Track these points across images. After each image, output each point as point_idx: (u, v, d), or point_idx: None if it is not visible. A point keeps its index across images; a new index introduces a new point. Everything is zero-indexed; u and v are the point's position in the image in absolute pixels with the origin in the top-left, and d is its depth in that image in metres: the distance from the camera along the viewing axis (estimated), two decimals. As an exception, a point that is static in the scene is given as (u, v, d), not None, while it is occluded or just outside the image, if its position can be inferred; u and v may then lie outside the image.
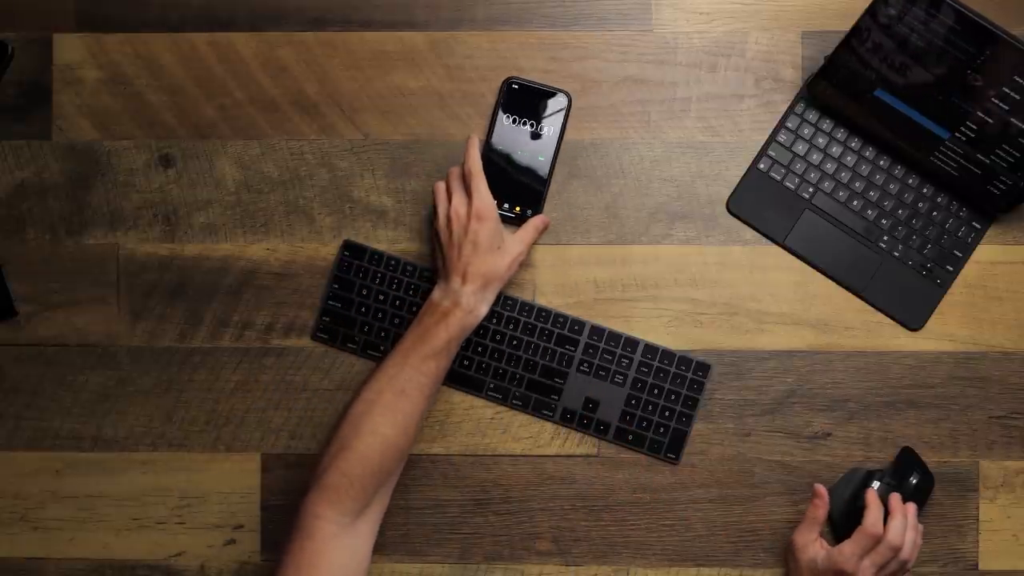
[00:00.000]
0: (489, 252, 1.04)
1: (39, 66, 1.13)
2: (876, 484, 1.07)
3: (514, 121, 1.11)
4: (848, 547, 1.01)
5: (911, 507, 1.04)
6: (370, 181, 1.13)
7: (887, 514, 1.04)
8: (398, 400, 0.99)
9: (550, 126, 1.11)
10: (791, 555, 1.04)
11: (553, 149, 1.11)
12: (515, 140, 1.11)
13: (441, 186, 1.07)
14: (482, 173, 1.05)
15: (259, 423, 1.13)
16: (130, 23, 1.14)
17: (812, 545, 1.03)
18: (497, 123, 1.11)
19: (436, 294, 1.04)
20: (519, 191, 1.11)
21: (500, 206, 1.10)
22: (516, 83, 1.11)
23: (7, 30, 1.13)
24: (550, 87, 1.11)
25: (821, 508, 1.04)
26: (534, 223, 1.08)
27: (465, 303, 1.02)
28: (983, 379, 1.12)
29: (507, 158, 1.11)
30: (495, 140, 1.11)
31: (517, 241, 1.06)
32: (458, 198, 1.05)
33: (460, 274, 1.03)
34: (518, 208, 1.11)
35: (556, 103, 1.11)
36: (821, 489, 1.04)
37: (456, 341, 1.03)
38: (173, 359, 1.13)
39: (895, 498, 1.04)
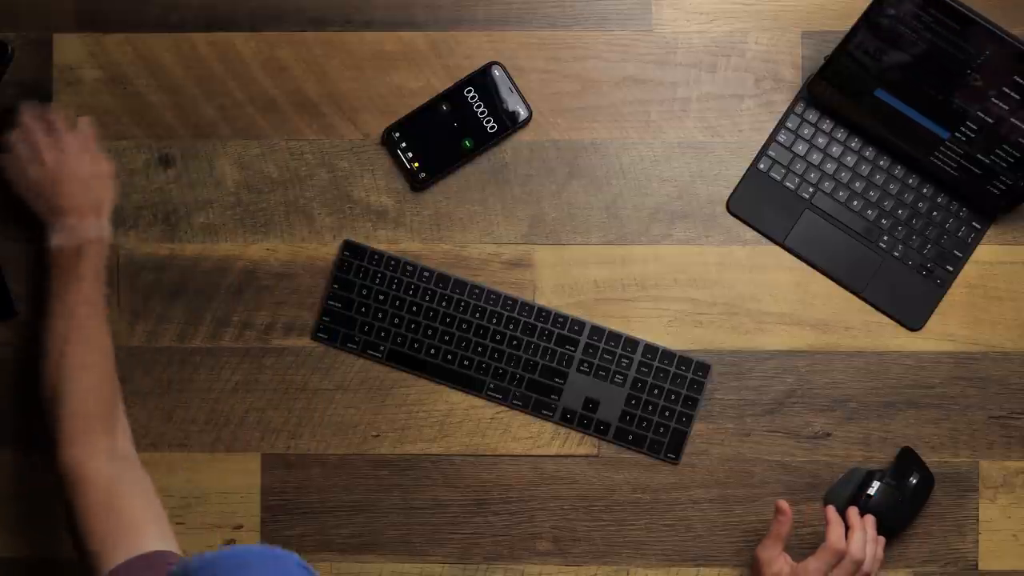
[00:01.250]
0: (90, 183, 1.06)
1: (39, 66, 1.13)
2: (876, 484, 1.07)
3: (472, 98, 1.11)
4: (812, 563, 1.01)
5: (870, 519, 1.04)
6: (370, 181, 1.13)
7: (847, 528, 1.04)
8: (87, 347, 1.02)
9: (496, 125, 1.12)
10: (755, 570, 1.03)
11: (484, 144, 1.12)
12: (461, 113, 1.11)
13: (33, 127, 1.06)
14: (55, 117, 1.07)
15: (259, 423, 1.13)
16: (130, 23, 1.14)
17: (776, 560, 1.02)
18: (458, 87, 1.12)
19: (56, 241, 1.04)
20: (427, 154, 1.12)
21: (404, 154, 1.11)
22: (499, 71, 1.11)
23: (7, 30, 1.13)
24: (522, 98, 1.12)
25: (785, 524, 1.03)
26: (88, 133, 1.09)
27: (90, 233, 1.04)
28: (983, 379, 1.12)
29: (443, 121, 1.11)
30: (447, 97, 1.12)
31: (101, 158, 1.08)
32: (53, 137, 1.06)
33: (70, 213, 1.04)
34: (416, 165, 1.12)
35: (517, 111, 1.12)
36: (784, 505, 1.03)
37: (101, 265, 1.05)
38: (173, 359, 1.13)
39: (853, 512, 1.04)
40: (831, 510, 1.04)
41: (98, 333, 1.03)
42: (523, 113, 1.12)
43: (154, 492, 0.98)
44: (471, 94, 1.11)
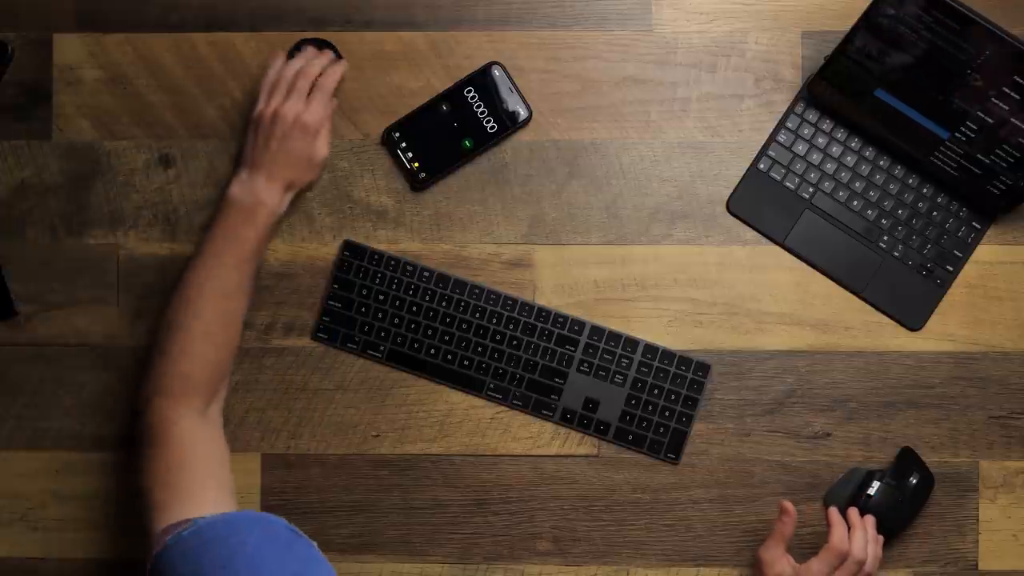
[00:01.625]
0: (301, 162, 1.05)
1: (39, 66, 1.13)
2: (876, 484, 1.07)
3: (472, 98, 1.11)
4: (815, 564, 1.01)
5: (870, 519, 1.05)
6: (370, 181, 1.13)
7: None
8: (226, 302, 1.01)
9: (496, 125, 1.11)
10: (757, 570, 1.04)
11: (484, 144, 1.12)
12: (461, 113, 1.11)
13: (279, 77, 1.06)
14: (332, 88, 1.07)
15: (259, 423, 1.13)
16: (130, 23, 1.14)
17: (779, 561, 1.02)
18: (458, 87, 1.11)
19: (237, 189, 1.04)
20: (427, 154, 1.11)
21: (404, 154, 1.11)
22: (499, 71, 1.11)
23: (7, 30, 1.13)
24: (522, 98, 1.12)
25: (789, 524, 1.03)
26: (328, 125, 1.08)
27: (268, 201, 1.04)
28: (983, 379, 1.12)
29: (442, 121, 1.11)
30: (446, 97, 1.12)
31: (323, 146, 1.06)
32: (294, 102, 1.05)
33: (264, 173, 1.04)
34: (416, 164, 1.12)
35: (517, 111, 1.12)
36: (788, 505, 1.03)
37: (264, 240, 1.04)
38: (173, 359, 1.13)
39: (854, 513, 1.04)
40: (834, 511, 1.04)
41: (236, 299, 1.03)
42: (523, 113, 1.12)
43: (228, 461, 0.99)
44: (471, 94, 1.11)
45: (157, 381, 0.99)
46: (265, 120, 1.04)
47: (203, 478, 0.94)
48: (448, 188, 1.13)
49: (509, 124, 1.12)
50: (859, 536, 1.02)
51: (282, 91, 1.06)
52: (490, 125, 1.11)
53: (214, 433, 1.00)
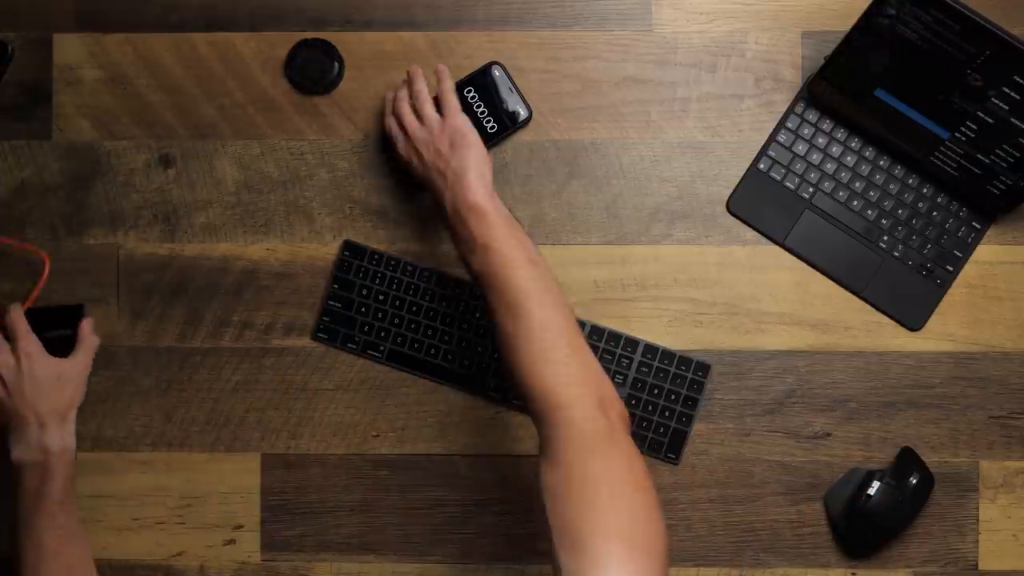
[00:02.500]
0: (50, 387, 1.04)
1: (39, 66, 1.13)
2: (876, 484, 1.07)
3: (472, 98, 1.11)
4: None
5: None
6: (370, 181, 1.13)
7: None
8: (60, 565, 0.98)
9: (496, 125, 1.11)
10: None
11: (485, 144, 1.09)
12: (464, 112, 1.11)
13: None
14: (27, 331, 1.06)
15: (259, 423, 1.13)
16: (130, 23, 1.14)
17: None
18: (458, 87, 1.11)
19: (17, 453, 1.02)
20: None
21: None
22: (499, 71, 1.11)
23: (7, 30, 1.13)
24: (522, 98, 1.12)
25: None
26: (88, 345, 1.09)
27: (54, 445, 1.02)
28: (983, 379, 1.12)
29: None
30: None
31: (73, 366, 1.06)
32: (3, 352, 1.05)
33: (32, 420, 1.03)
34: None
35: (517, 111, 1.12)
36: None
37: (69, 480, 1.02)
38: (173, 359, 1.13)
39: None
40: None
41: (74, 550, 0.99)
42: (523, 113, 1.12)
43: None
44: (471, 94, 1.11)
45: None
46: None
47: None
48: (448, 188, 1.13)
49: (509, 124, 1.12)
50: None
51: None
52: (490, 125, 1.11)
53: None
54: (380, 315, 1.12)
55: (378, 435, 1.12)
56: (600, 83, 1.13)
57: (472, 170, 0.98)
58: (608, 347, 1.11)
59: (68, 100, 1.14)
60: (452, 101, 1.03)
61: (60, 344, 1.08)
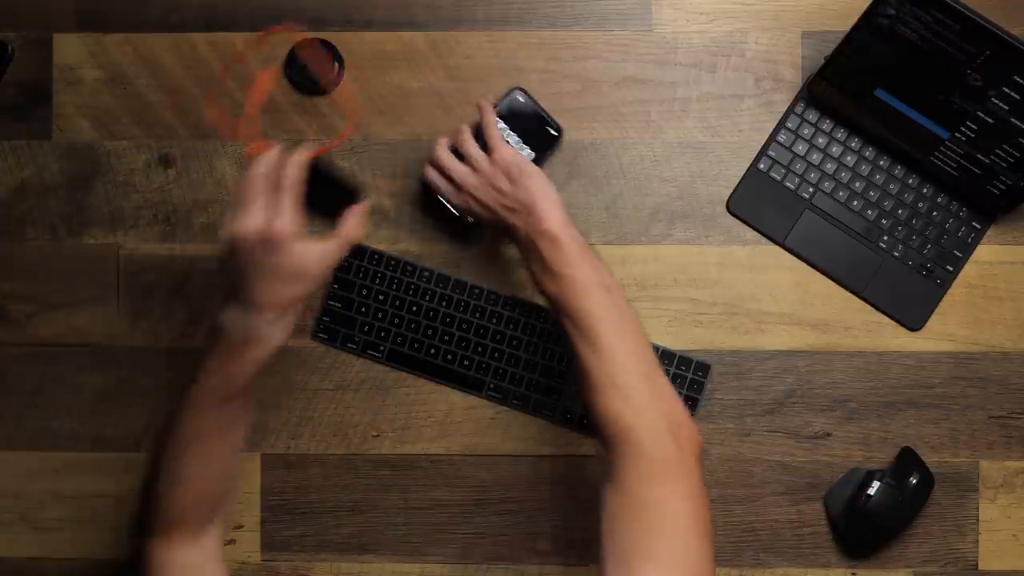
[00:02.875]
0: (284, 280, 0.88)
1: (39, 66, 1.13)
2: (876, 484, 1.07)
3: (502, 128, 1.10)
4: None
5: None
6: (370, 181, 1.13)
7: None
8: (210, 447, 0.91)
9: (532, 152, 1.10)
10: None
11: None
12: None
13: (236, 192, 0.90)
14: (294, 189, 0.88)
15: (259, 423, 1.13)
16: (130, 23, 1.14)
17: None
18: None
19: (227, 322, 0.89)
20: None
21: (448, 202, 1.07)
22: (521, 95, 1.11)
23: (7, 30, 1.13)
24: (549, 117, 1.11)
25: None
26: (345, 237, 0.92)
27: (258, 335, 0.88)
28: (983, 379, 1.12)
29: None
30: (478, 136, 1.07)
31: (316, 259, 0.89)
32: (249, 217, 0.87)
33: (251, 301, 0.88)
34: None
35: (548, 131, 1.11)
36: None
37: (255, 375, 0.90)
38: (173, 359, 1.13)
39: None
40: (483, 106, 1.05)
41: (217, 438, 0.92)
42: (555, 132, 1.11)
43: None
44: (499, 125, 1.10)
45: (146, 517, 0.93)
46: (230, 246, 0.88)
47: None
48: (448, 188, 1.13)
49: (544, 147, 1.11)
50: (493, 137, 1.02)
51: (237, 208, 0.89)
52: (526, 153, 1.10)
53: (208, 564, 0.93)
54: (380, 315, 1.12)
55: (378, 435, 1.12)
56: (600, 83, 1.13)
57: (541, 199, 0.98)
58: (608, 347, 1.11)
59: (68, 100, 1.14)
60: (496, 135, 1.03)
61: (324, 203, 0.93)
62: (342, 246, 0.92)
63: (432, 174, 1.06)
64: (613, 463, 0.87)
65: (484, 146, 1.04)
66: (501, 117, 1.10)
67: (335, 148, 1.06)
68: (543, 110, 1.11)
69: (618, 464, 0.87)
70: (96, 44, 1.14)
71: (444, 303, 1.12)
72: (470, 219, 1.09)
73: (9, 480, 1.13)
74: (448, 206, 1.09)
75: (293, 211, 0.88)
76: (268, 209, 0.87)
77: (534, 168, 1.00)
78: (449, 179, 1.05)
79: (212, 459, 0.92)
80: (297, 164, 0.89)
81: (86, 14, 1.14)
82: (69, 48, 1.14)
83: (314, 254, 0.89)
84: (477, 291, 1.12)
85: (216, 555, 0.94)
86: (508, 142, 1.06)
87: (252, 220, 0.87)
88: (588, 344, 0.92)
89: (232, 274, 0.89)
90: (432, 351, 1.12)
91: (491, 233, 1.13)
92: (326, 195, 0.93)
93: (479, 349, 1.12)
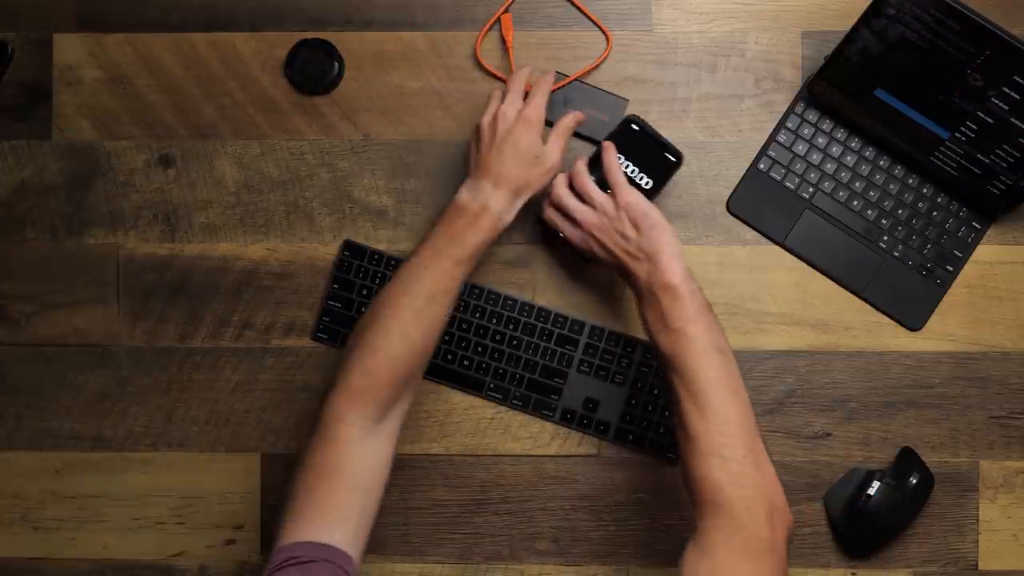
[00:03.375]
0: (526, 160, 0.99)
1: (39, 66, 1.13)
2: (876, 484, 1.07)
3: (620, 160, 1.05)
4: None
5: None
6: (370, 181, 1.13)
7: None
8: (428, 306, 0.95)
9: (651, 180, 1.07)
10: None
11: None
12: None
13: (499, 91, 1.04)
14: (549, 86, 1.03)
15: (259, 423, 1.13)
16: (130, 23, 1.14)
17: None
18: (596, 156, 1.07)
19: (464, 195, 0.99)
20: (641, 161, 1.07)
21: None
22: (636, 124, 1.07)
23: (7, 30, 1.13)
24: (667, 143, 1.07)
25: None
26: (565, 122, 1.04)
27: (494, 207, 0.98)
28: (983, 379, 1.12)
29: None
30: (596, 168, 1.05)
31: (553, 149, 1.02)
32: (512, 99, 1.01)
33: (492, 177, 0.99)
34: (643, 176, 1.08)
35: (665, 160, 1.07)
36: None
37: (484, 246, 0.99)
38: (173, 359, 1.13)
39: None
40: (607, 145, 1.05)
41: (440, 303, 0.96)
42: (674, 159, 1.08)
43: (384, 481, 0.93)
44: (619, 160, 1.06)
45: (341, 373, 0.93)
46: (485, 124, 1.01)
47: (345, 499, 0.89)
48: (448, 188, 1.13)
49: (663, 175, 1.08)
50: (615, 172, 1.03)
51: (498, 96, 1.03)
52: (644, 182, 1.07)
53: (380, 449, 0.93)
54: (380, 315, 1.12)
55: (378, 435, 1.12)
56: (600, 83, 1.13)
57: (666, 250, 0.97)
58: (608, 347, 1.11)
59: (68, 100, 1.14)
60: (620, 178, 1.02)
61: (641, 159, 1.06)
62: (566, 130, 1.03)
63: (552, 214, 1.05)
64: (706, 531, 0.88)
65: (599, 180, 1.04)
66: (617, 147, 1.05)
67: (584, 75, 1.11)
68: (660, 136, 1.08)
69: (708, 530, 0.88)
70: (96, 44, 1.14)
71: (444, 303, 1.12)
72: (585, 258, 1.07)
73: (9, 480, 1.13)
74: (568, 245, 1.06)
75: (544, 106, 1.02)
76: (525, 99, 1.02)
77: (661, 218, 0.99)
78: (569, 217, 1.04)
79: (429, 324, 0.95)
80: (551, 75, 1.04)
81: (86, 14, 1.14)
82: (69, 48, 1.14)
83: (552, 145, 1.02)
84: (477, 291, 1.12)
85: (390, 445, 0.94)
86: (626, 174, 1.06)
87: (513, 104, 1.01)
88: (697, 407, 0.92)
89: (479, 151, 1.01)
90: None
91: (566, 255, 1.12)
92: (644, 152, 1.07)
93: (479, 349, 1.12)
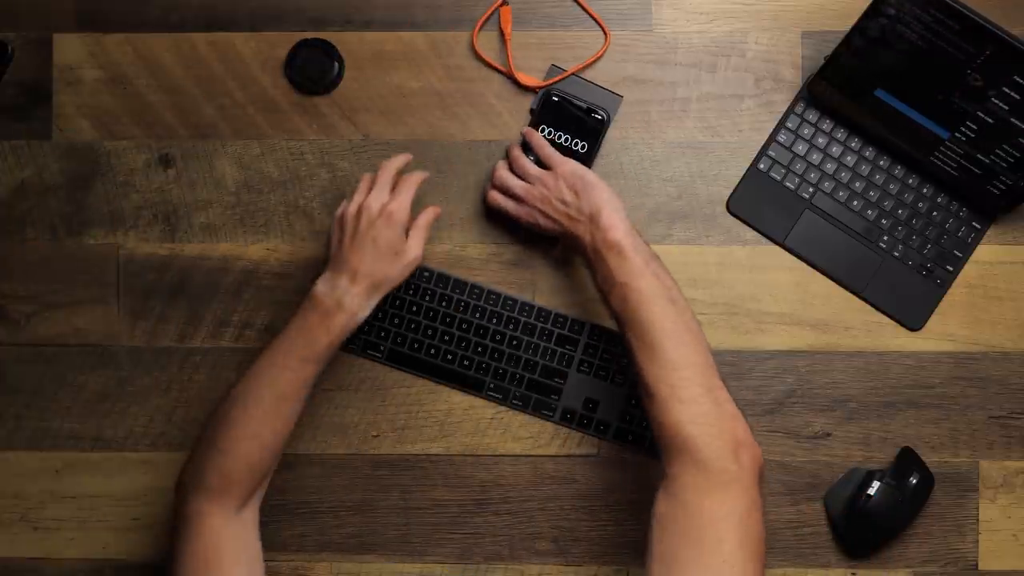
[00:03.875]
0: (386, 255, 0.99)
1: (39, 66, 1.13)
2: (876, 484, 1.07)
3: (548, 134, 1.10)
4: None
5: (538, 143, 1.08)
6: (370, 181, 1.13)
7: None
8: (279, 405, 0.97)
9: (585, 143, 1.10)
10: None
11: (588, 166, 1.09)
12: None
13: (368, 177, 1.03)
14: (416, 183, 1.03)
15: (259, 423, 1.12)
16: (130, 23, 1.14)
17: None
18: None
19: (320, 288, 0.98)
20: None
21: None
22: (556, 95, 1.10)
23: (7, 30, 1.13)
24: (590, 104, 1.10)
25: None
26: (427, 217, 1.04)
27: (349, 305, 0.98)
28: (983, 379, 1.12)
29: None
30: (530, 154, 1.08)
31: (415, 244, 1.02)
32: (377, 193, 1.01)
33: (350, 272, 0.98)
34: None
35: (593, 119, 1.10)
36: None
37: (336, 344, 0.98)
38: (173, 359, 1.13)
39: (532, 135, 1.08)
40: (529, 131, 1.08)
41: (292, 402, 0.97)
42: (603, 115, 1.10)
43: (259, 562, 0.96)
44: (547, 131, 1.10)
45: (196, 473, 0.95)
46: (348, 216, 1.00)
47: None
48: (448, 188, 1.13)
49: (597, 134, 1.10)
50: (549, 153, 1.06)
51: (365, 187, 1.02)
52: (580, 146, 1.10)
53: (247, 534, 0.96)
54: (380, 315, 1.12)
55: (378, 435, 1.12)
56: (600, 83, 1.13)
57: (605, 208, 1.00)
58: (608, 347, 1.11)
59: (68, 100, 1.14)
60: (550, 151, 1.06)
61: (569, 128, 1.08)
62: (426, 226, 1.04)
63: (495, 196, 1.08)
64: (669, 473, 0.90)
65: (536, 162, 1.07)
66: (544, 123, 1.10)
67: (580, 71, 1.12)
68: (582, 101, 1.10)
69: (675, 474, 0.89)
70: (96, 44, 1.14)
71: (444, 303, 1.12)
72: (546, 236, 1.09)
73: (9, 480, 1.13)
74: (520, 223, 1.08)
75: (409, 203, 1.01)
76: (392, 193, 1.01)
77: (596, 179, 1.02)
78: (513, 196, 1.07)
79: (281, 422, 0.97)
80: (420, 175, 1.04)
81: (86, 14, 1.14)
82: (69, 48, 1.14)
83: (414, 240, 1.01)
84: (477, 291, 1.12)
85: (255, 531, 0.97)
86: (561, 144, 1.09)
87: (379, 198, 1.00)
88: (650, 356, 0.93)
89: (337, 244, 1.00)
90: (432, 351, 1.12)
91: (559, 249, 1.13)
92: (571, 120, 1.09)
93: (479, 349, 1.12)
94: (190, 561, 0.92)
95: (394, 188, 1.02)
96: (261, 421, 0.96)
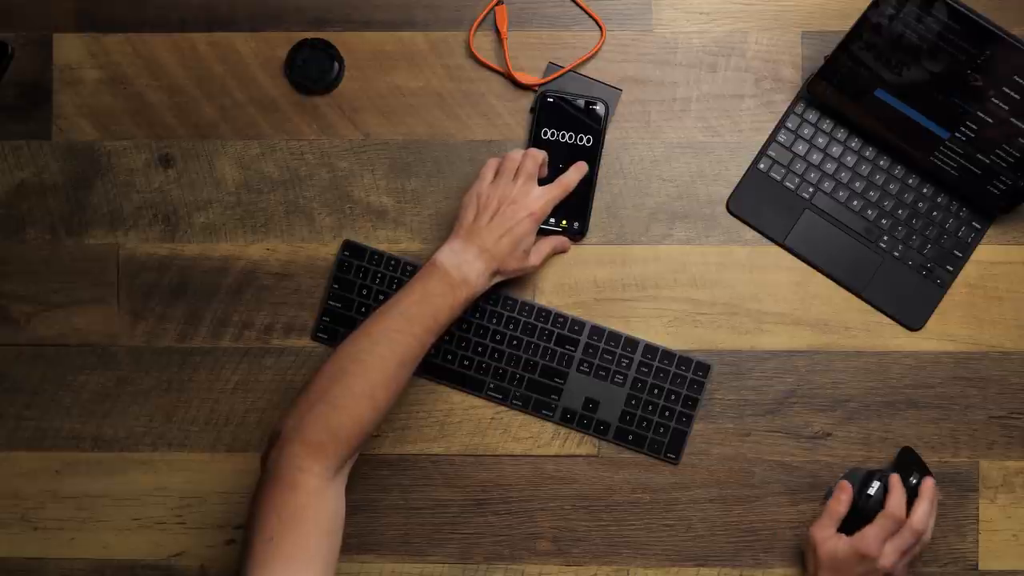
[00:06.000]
0: (517, 249, 1.02)
1: (39, 66, 1.14)
2: (876, 484, 1.07)
3: (552, 135, 1.10)
4: (871, 531, 1.02)
5: (931, 486, 1.05)
6: (370, 181, 1.13)
7: (910, 497, 1.05)
8: (399, 370, 0.95)
9: (590, 136, 1.10)
10: (810, 549, 1.05)
11: (596, 157, 1.09)
12: (556, 154, 1.09)
13: (511, 161, 1.04)
14: (566, 188, 1.05)
15: (259, 423, 1.13)
16: (130, 23, 1.14)
17: (832, 539, 1.04)
18: (535, 140, 1.10)
19: (447, 258, 0.99)
20: (563, 204, 1.06)
21: (546, 220, 1.07)
22: (551, 96, 1.10)
23: (7, 30, 1.13)
24: (587, 96, 1.10)
25: (844, 504, 1.05)
26: (557, 240, 1.08)
27: (475, 281, 0.99)
28: (983, 379, 1.12)
29: (555, 174, 1.07)
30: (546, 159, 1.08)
31: (536, 256, 1.05)
32: (525, 186, 1.02)
33: (480, 248, 1.00)
34: (564, 222, 1.10)
35: (593, 112, 1.10)
36: (846, 484, 1.06)
37: (456, 318, 1.00)
38: (173, 359, 1.13)
39: (928, 485, 1.05)
40: (895, 477, 1.05)
41: (408, 368, 0.96)
42: (602, 107, 1.10)
43: (341, 530, 0.92)
44: (548, 133, 1.10)
45: (303, 424, 0.92)
46: (490, 196, 1.02)
47: (311, 545, 0.88)
48: (448, 188, 1.13)
49: (599, 127, 1.10)
50: (924, 507, 1.03)
51: (509, 172, 1.03)
52: (585, 140, 1.10)
53: (338, 496, 0.93)
54: (380, 315, 1.12)
55: (378, 435, 1.12)
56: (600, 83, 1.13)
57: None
58: (608, 347, 1.11)
59: (68, 100, 1.14)
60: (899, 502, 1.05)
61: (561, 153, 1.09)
62: (552, 247, 1.08)
63: (514, 158, 1.05)
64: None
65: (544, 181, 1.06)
66: (546, 126, 1.09)
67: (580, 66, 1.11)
68: (578, 95, 1.10)
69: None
70: (96, 44, 1.14)
71: (444, 303, 1.12)
72: (576, 224, 1.11)
73: (9, 480, 1.13)
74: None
75: (552, 203, 1.03)
76: (540, 192, 1.03)
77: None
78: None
79: (394, 387, 0.95)
80: (532, 162, 1.04)
81: (86, 14, 1.14)
82: (69, 48, 1.14)
83: (538, 251, 1.05)
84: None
85: (343, 500, 0.94)
86: (566, 143, 1.09)
87: (529, 192, 1.02)
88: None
89: (473, 218, 1.01)
90: (432, 351, 1.12)
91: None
92: (572, 116, 1.09)
93: (479, 349, 1.12)
94: (281, 513, 0.88)
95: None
96: (379, 383, 0.94)
